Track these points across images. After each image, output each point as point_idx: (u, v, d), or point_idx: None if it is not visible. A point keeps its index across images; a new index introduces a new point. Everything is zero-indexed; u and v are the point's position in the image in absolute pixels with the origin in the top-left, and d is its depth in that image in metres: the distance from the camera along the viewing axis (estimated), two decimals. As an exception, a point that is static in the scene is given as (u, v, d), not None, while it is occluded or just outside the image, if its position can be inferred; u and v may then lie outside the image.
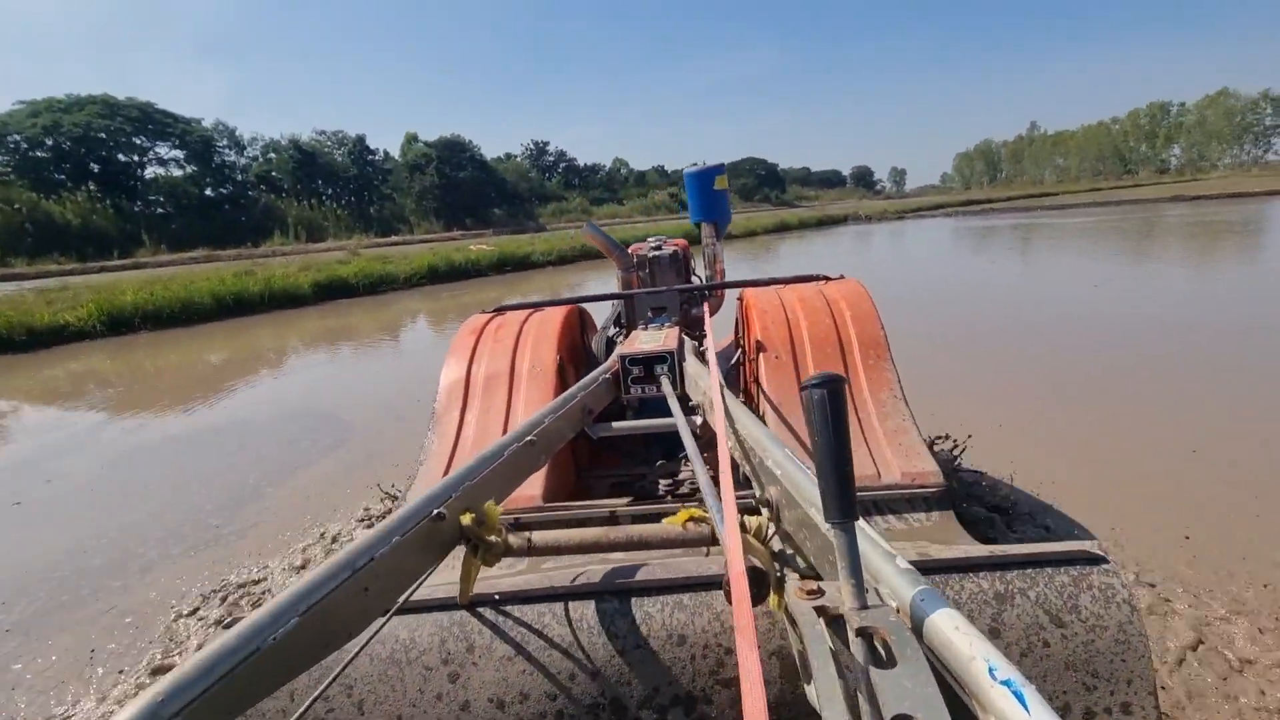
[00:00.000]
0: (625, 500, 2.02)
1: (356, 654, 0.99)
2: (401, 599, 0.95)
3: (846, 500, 0.75)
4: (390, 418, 5.61)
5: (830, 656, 0.67)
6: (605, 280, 17.79)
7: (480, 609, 1.11)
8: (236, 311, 13.63)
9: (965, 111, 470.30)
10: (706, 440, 1.66)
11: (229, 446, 5.23)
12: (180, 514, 3.97)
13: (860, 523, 0.82)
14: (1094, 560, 1.06)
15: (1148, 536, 2.90)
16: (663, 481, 2.35)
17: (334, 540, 3.44)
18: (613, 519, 1.82)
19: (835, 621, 0.74)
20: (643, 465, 2.55)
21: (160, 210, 44.88)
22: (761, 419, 1.56)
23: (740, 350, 2.86)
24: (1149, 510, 3.14)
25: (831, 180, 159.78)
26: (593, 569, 1.18)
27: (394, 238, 44.40)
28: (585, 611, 1.09)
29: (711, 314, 3.16)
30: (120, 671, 2.56)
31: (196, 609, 2.93)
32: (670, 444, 2.64)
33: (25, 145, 41.41)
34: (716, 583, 1.09)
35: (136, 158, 47.51)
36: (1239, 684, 2.04)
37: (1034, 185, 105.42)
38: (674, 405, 1.79)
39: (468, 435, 2.19)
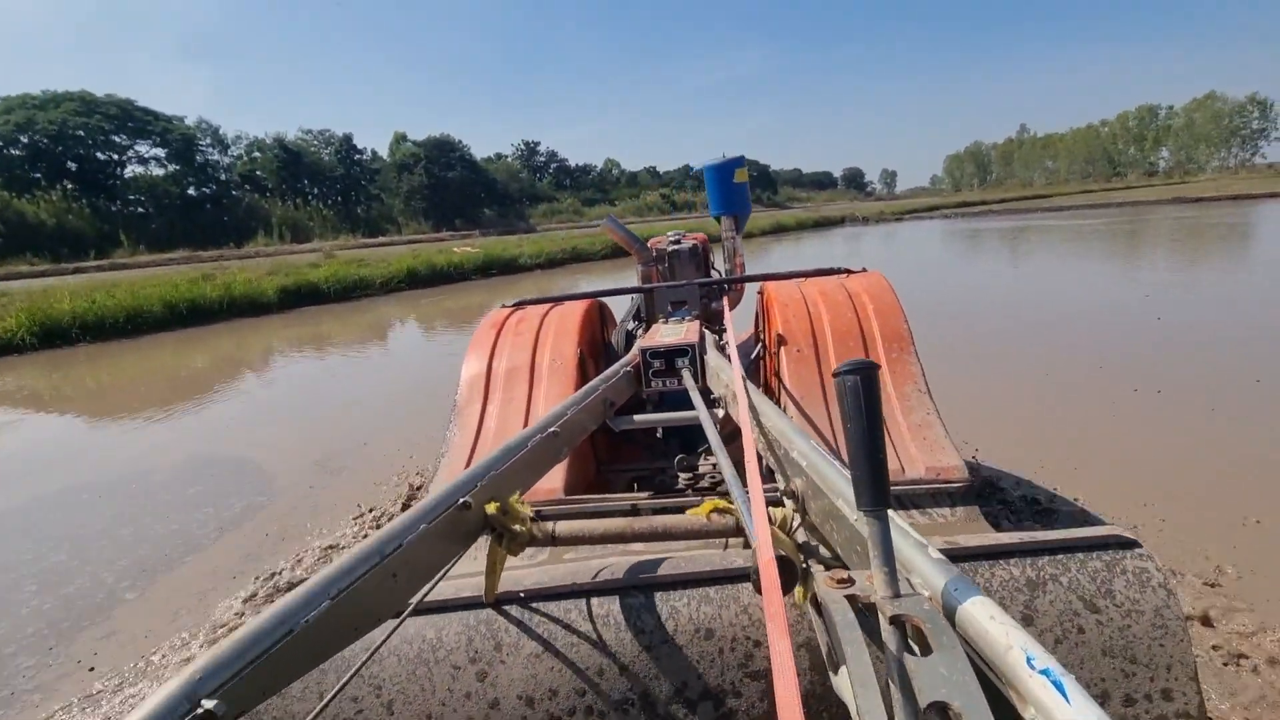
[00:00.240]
0: (646, 494, 2.01)
1: (378, 647, 0.97)
2: (428, 587, 0.96)
3: (880, 488, 0.73)
4: (324, 472, 4.31)
5: (864, 644, 0.67)
6: (596, 283, 16.79)
7: (506, 606, 1.10)
8: (192, 320, 12.37)
9: (954, 114, 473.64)
10: (728, 433, 1.65)
11: (100, 518, 3.86)
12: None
13: (890, 512, 0.80)
14: (1126, 545, 1.06)
15: None
16: (682, 475, 2.28)
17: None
18: (633, 512, 1.76)
19: (866, 611, 0.73)
20: (661, 459, 2.51)
21: (140, 210, 43.97)
22: (784, 412, 1.64)
23: (760, 344, 2.84)
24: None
25: (823, 182, 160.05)
26: (616, 563, 1.18)
27: (381, 238, 43.91)
28: (611, 607, 1.08)
29: (731, 308, 3.05)
30: None
31: None
32: (688, 437, 2.61)
33: (-2, 142, 40.15)
34: (743, 576, 1.09)
35: (115, 156, 46.51)
36: None
37: (1024, 187, 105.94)
38: (696, 398, 1.80)
39: (489, 428, 2.18)
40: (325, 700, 0.84)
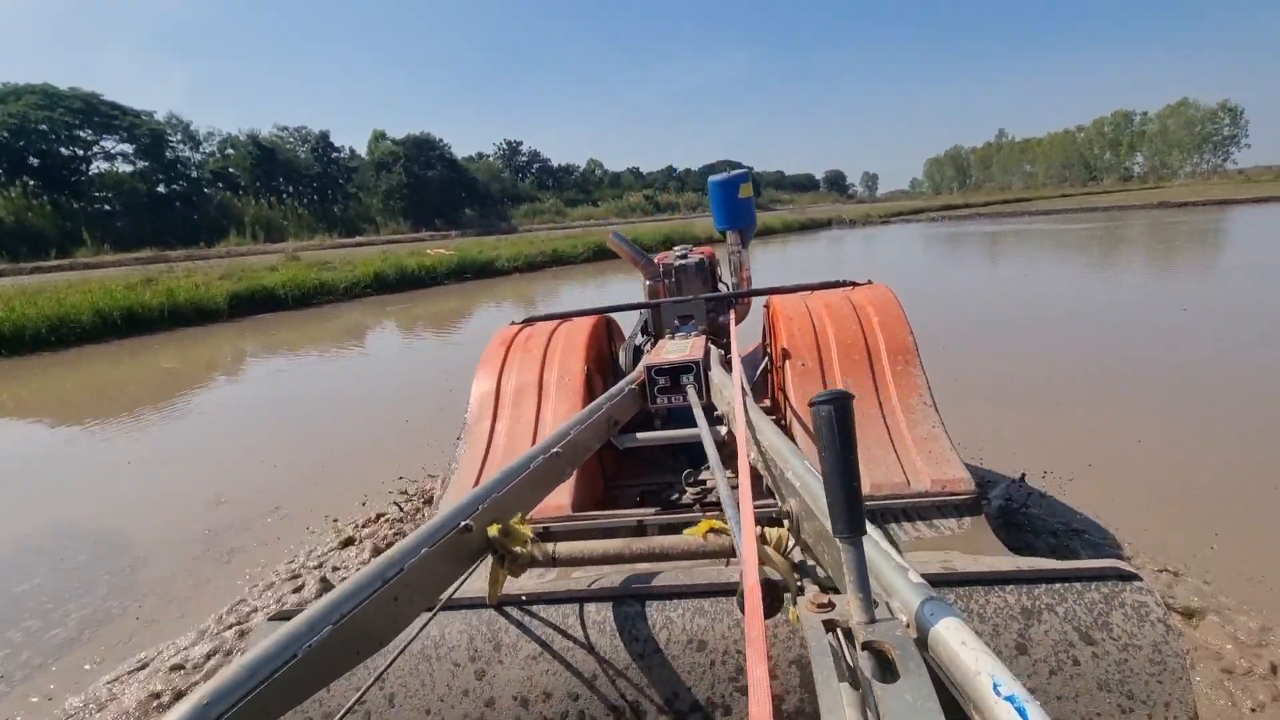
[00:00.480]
0: (652, 510, 1.99)
1: (395, 658, 1.00)
2: (428, 616, 1.03)
3: (854, 515, 0.74)
4: (210, 554, 3.33)
5: (832, 669, 0.67)
6: (577, 287, 15.85)
7: (508, 609, 1.12)
8: (129, 330, 11.17)
9: (934, 118, 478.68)
10: (731, 451, 1.62)
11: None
12: None
13: (874, 533, 0.82)
14: (1126, 577, 1.03)
15: None
16: (690, 491, 2.16)
17: None
18: (640, 529, 1.81)
19: (845, 634, 0.73)
20: (670, 475, 2.46)
21: (105, 208, 42.23)
22: (788, 428, 1.69)
23: (767, 358, 2.85)
24: None
25: (805, 184, 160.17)
26: (617, 571, 1.19)
27: (358, 238, 42.63)
28: (609, 615, 1.10)
29: (738, 321, 3.11)
30: None
31: None
32: (697, 453, 2.48)
33: (-47, 136, 38.35)
34: (736, 590, 1.05)
35: (80, 151, 44.64)
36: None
37: (1002, 191, 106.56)
38: (699, 415, 1.79)
39: (498, 445, 2.18)
40: (342, 713, 0.92)
